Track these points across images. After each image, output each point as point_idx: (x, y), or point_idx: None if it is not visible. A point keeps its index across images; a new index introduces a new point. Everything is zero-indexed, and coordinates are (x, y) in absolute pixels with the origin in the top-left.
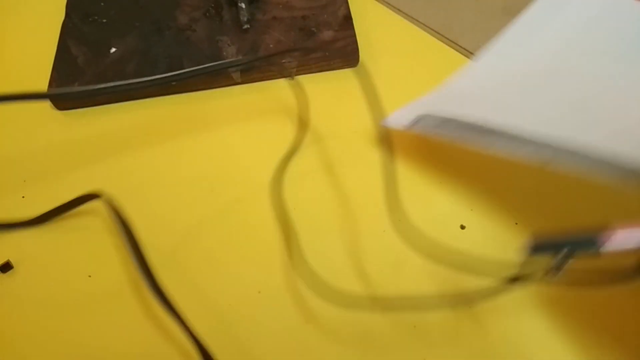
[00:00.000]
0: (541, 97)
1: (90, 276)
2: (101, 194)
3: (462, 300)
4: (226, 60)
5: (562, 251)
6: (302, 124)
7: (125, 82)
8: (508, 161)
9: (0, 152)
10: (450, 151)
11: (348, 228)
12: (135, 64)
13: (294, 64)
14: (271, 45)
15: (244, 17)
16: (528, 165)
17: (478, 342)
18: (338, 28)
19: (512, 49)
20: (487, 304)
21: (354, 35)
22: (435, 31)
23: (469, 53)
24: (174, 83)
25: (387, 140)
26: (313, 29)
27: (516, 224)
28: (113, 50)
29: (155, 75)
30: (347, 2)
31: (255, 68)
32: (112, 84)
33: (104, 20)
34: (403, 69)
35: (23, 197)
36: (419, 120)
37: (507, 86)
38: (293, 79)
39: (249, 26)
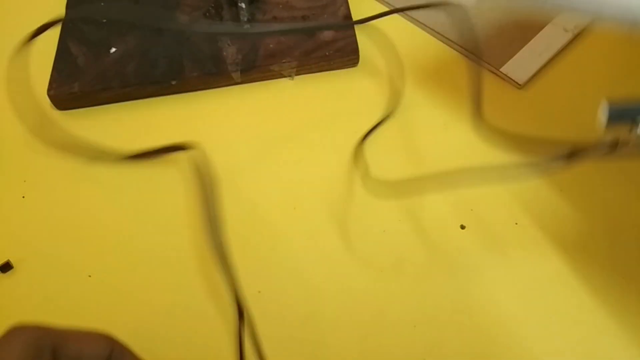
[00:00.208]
0: None
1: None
2: (191, 146)
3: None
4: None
5: None
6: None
7: None
8: None
9: (0, 152)
10: None
11: None
12: (135, 64)
13: (294, 64)
14: (271, 45)
15: (244, 17)
16: None
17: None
18: (338, 28)
19: None
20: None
21: (354, 35)
22: (435, 31)
23: (469, 53)
24: (173, 83)
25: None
26: None
27: None
28: (113, 50)
29: (154, 75)
30: (347, 2)
31: (255, 68)
32: None
33: (104, 20)
34: (403, 69)
35: (23, 197)
36: None
37: None
38: (293, 78)
39: (249, 26)
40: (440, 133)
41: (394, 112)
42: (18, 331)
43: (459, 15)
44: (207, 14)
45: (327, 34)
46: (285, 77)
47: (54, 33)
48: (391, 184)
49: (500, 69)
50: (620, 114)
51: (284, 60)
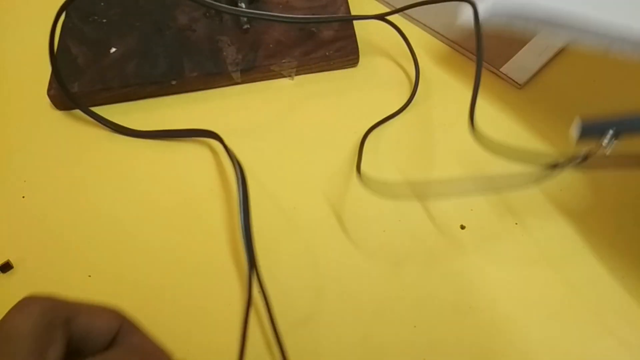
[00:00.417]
0: None
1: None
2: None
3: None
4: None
5: (610, 132)
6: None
7: None
8: None
9: (0, 152)
10: None
11: None
12: (135, 64)
13: (294, 64)
14: (271, 45)
15: (244, 17)
16: None
17: (478, 337)
18: (338, 28)
19: None
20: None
21: (354, 35)
22: (435, 31)
23: (469, 53)
24: (173, 83)
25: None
26: (313, 29)
27: None
28: (113, 50)
29: (154, 75)
30: (347, 2)
31: (255, 68)
32: None
33: (104, 20)
34: (403, 69)
35: (23, 197)
36: (494, 10)
37: None
38: (293, 78)
39: (248, 26)
40: (440, 134)
41: (394, 112)
42: (31, 301)
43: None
44: (207, 14)
45: (327, 34)
46: (285, 77)
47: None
48: (391, 184)
49: (500, 69)
50: (590, 130)
51: (284, 60)
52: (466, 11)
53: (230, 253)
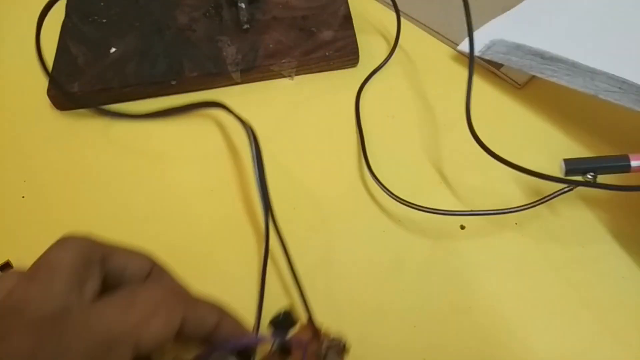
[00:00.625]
0: (604, 30)
1: None
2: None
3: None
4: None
5: (594, 171)
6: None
7: None
8: None
9: (0, 152)
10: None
11: None
12: (135, 64)
13: (294, 64)
14: (271, 45)
15: (244, 17)
16: None
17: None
18: (338, 28)
19: None
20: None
21: (354, 35)
22: (435, 31)
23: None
24: (173, 83)
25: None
26: (313, 29)
27: None
28: (113, 50)
29: (154, 75)
30: (347, 2)
31: (255, 68)
32: None
33: (104, 20)
34: (402, 69)
35: (23, 197)
36: (491, 45)
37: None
38: (293, 78)
39: (248, 26)
40: (441, 134)
41: (394, 111)
42: (71, 239)
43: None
44: (207, 14)
45: (327, 34)
46: (285, 77)
47: (54, 33)
48: (390, 184)
49: (500, 69)
50: (574, 169)
51: (283, 60)
52: (464, 43)
53: (247, 213)
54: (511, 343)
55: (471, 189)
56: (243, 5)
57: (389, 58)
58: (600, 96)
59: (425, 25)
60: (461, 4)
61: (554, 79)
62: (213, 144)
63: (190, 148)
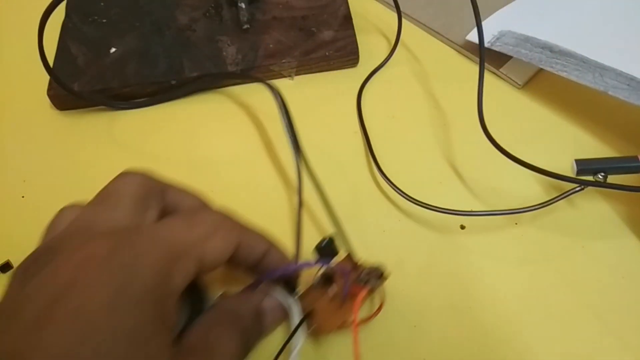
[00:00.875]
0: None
1: None
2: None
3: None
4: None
5: (604, 171)
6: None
7: None
8: None
9: (0, 152)
10: None
11: None
12: (135, 64)
13: (294, 64)
14: (271, 45)
15: (244, 17)
16: None
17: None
18: (338, 28)
19: None
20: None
21: (354, 35)
22: (435, 31)
23: (469, 53)
24: (173, 83)
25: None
26: (313, 29)
27: None
28: (113, 50)
29: (154, 75)
30: (347, 2)
31: (255, 68)
32: None
33: (104, 20)
34: (403, 69)
35: (23, 197)
36: (500, 37)
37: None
38: (293, 78)
39: (249, 26)
40: (441, 134)
41: (395, 111)
42: (132, 172)
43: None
44: (207, 14)
45: (327, 34)
46: (285, 77)
47: (54, 33)
48: (398, 183)
49: (500, 69)
50: (585, 171)
51: (283, 60)
52: (473, 32)
53: (278, 172)
54: (511, 343)
55: (477, 186)
56: (243, 5)
57: (390, 57)
58: (610, 92)
59: (425, 25)
60: (461, 3)
61: (563, 74)
62: (217, 129)
63: (193, 145)
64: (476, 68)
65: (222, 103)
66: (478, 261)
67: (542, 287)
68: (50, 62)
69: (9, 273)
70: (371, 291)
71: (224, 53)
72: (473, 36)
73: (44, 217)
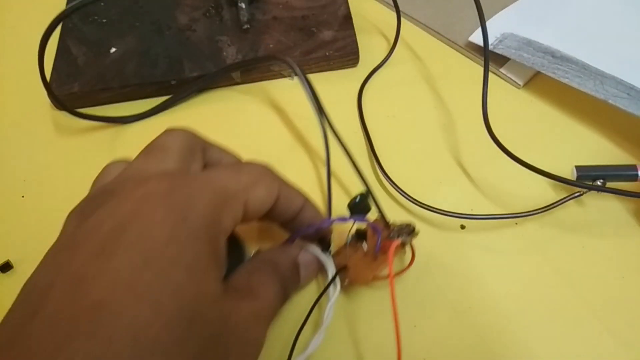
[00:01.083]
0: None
1: None
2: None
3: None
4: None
5: (603, 178)
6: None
7: None
8: None
9: (0, 152)
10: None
11: None
12: (135, 64)
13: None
14: (271, 45)
15: (244, 17)
16: None
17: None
18: (338, 28)
19: None
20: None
21: (354, 35)
22: (436, 31)
23: (469, 53)
24: (173, 82)
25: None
26: (313, 29)
27: None
28: (113, 50)
29: (154, 75)
30: (347, 2)
31: (256, 68)
32: None
33: (104, 20)
34: (403, 68)
35: (23, 197)
36: (502, 39)
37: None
38: (293, 78)
39: (249, 26)
40: (442, 133)
41: (395, 111)
42: (177, 129)
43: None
44: (207, 14)
45: (327, 34)
46: (285, 77)
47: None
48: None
49: (500, 69)
50: (584, 177)
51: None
52: (476, 34)
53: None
54: (512, 343)
55: (478, 185)
56: (243, 5)
57: (389, 56)
58: (610, 101)
59: (425, 24)
60: (462, 3)
61: (565, 80)
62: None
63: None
64: (477, 67)
65: (223, 103)
66: (478, 260)
67: (543, 287)
68: (50, 62)
69: (9, 273)
70: (402, 245)
71: (224, 53)
72: (476, 38)
73: (44, 217)
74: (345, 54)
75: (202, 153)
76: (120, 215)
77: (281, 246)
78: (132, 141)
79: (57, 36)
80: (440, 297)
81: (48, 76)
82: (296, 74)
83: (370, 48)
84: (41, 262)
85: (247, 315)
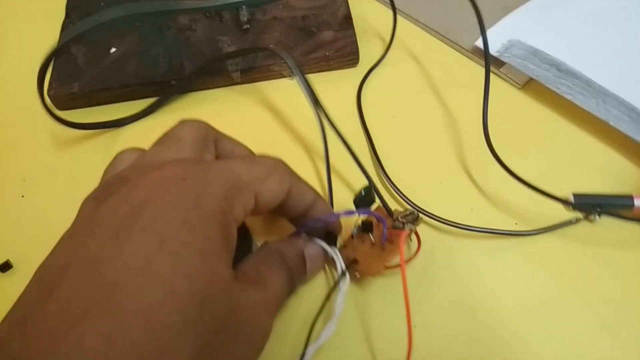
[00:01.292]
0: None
1: None
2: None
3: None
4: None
5: (600, 206)
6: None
7: None
8: None
9: (0, 152)
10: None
11: None
12: (135, 64)
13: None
14: (271, 45)
15: (244, 17)
16: None
17: (478, 337)
18: (338, 28)
19: None
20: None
21: (354, 35)
22: (436, 31)
23: (469, 53)
24: (173, 83)
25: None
26: (313, 29)
27: None
28: (113, 50)
29: (154, 75)
30: (347, 2)
31: (255, 68)
32: None
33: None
34: (403, 69)
35: (23, 196)
36: (509, 47)
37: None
38: (293, 78)
39: (249, 26)
40: (442, 134)
41: (395, 111)
42: (190, 120)
43: None
44: (207, 14)
45: (327, 34)
46: (285, 77)
47: (54, 33)
48: (400, 186)
49: (500, 69)
50: (582, 204)
51: (283, 61)
52: (479, 40)
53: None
54: (512, 343)
55: (478, 186)
56: (243, 6)
57: (385, 55)
58: (611, 123)
59: (425, 25)
60: (462, 4)
61: (569, 97)
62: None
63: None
64: (477, 67)
65: (223, 103)
66: (478, 261)
67: (543, 287)
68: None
69: (9, 272)
70: (409, 233)
71: (224, 53)
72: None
73: (44, 217)
74: (345, 54)
75: (215, 144)
76: (135, 200)
77: (288, 238)
78: (132, 140)
79: (57, 36)
80: (441, 297)
81: (48, 76)
82: (290, 67)
83: (371, 48)
84: (56, 245)
85: (255, 303)
